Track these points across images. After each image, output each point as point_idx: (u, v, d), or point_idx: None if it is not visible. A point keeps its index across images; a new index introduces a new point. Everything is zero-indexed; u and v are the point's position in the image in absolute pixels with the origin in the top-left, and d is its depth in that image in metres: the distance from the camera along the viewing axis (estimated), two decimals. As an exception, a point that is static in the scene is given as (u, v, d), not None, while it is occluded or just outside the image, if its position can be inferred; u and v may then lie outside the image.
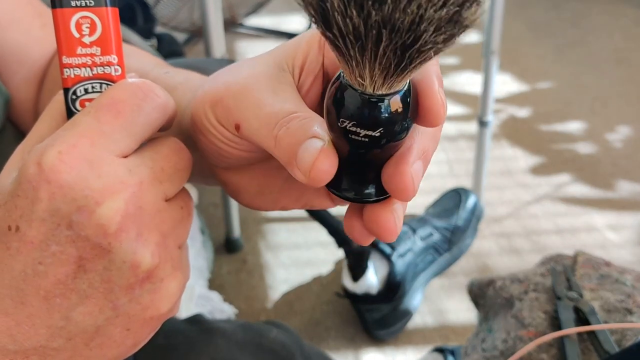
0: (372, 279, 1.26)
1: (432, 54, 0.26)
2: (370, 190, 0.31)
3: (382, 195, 0.31)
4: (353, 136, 0.28)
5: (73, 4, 0.31)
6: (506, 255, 1.51)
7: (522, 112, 2.00)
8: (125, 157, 0.31)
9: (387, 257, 1.28)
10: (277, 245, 1.56)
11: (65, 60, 0.31)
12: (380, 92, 0.27)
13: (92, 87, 0.32)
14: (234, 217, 1.50)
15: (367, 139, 0.28)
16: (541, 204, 1.66)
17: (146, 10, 1.73)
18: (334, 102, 0.29)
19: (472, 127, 1.76)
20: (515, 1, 2.60)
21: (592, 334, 0.63)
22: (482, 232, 1.50)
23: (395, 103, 0.28)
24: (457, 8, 0.24)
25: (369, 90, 0.27)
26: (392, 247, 1.29)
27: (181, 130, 0.38)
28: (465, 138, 1.88)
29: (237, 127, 0.33)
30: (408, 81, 0.28)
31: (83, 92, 0.32)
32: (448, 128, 1.93)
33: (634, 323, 0.63)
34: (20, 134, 0.60)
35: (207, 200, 1.67)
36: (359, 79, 0.27)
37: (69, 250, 0.29)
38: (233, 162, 0.36)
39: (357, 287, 1.26)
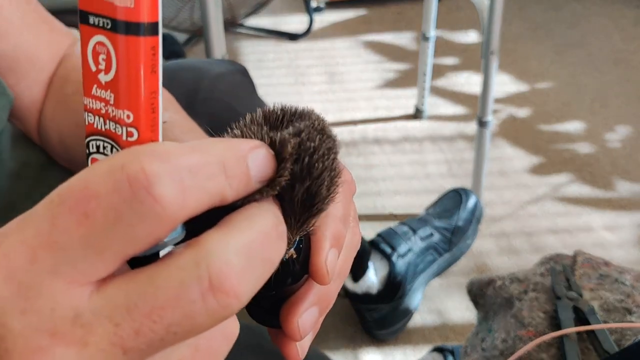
0: (373, 279, 1.26)
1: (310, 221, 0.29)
2: (273, 319, 0.34)
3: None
4: None
5: (92, 21, 0.22)
6: (505, 255, 1.51)
7: (522, 112, 2.00)
8: (89, 285, 0.21)
9: (388, 257, 1.28)
10: (277, 245, 1.55)
11: (84, 99, 0.24)
12: None
13: (103, 146, 0.23)
14: (234, 217, 1.49)
15: None
16: (540, 204, 1.66)
17: (147, 11, 1.73)
18: None
19: (472, 127, 1.77)
20: (515, 2, 2.60)
21: (591, 333, 0.63)
22: (481, 232, 1.50)
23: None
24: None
25: None
26: (393, 247, 1.29)
27: None
28: (464, 138, 1.88)
29: None
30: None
31: (95, 148, 0.24)
32: (447, 128, 1.93)
33: (633, 323, 0.63)
34: (21, 135, 0.61)
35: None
36: None
37: None
38: None
39: (358, 287, 1.26)
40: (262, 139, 0.26)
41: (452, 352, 1.09)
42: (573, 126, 1.93)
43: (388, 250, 1.29)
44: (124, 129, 0.22)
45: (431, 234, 1.36)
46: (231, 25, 2.31)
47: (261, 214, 0.24)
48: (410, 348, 1.31)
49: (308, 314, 0.32)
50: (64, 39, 0.59)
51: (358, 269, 1.25)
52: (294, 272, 0.31)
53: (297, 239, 0.30)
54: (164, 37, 1.90)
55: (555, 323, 0.66)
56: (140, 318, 0.20)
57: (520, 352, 0.63)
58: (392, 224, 1.38)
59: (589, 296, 0.68)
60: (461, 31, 2.45)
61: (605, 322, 0.64)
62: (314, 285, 0.32)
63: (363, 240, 1.25)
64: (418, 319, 1.36)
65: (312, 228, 0.30)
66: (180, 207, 0.21)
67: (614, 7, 2.55)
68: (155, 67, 0.22)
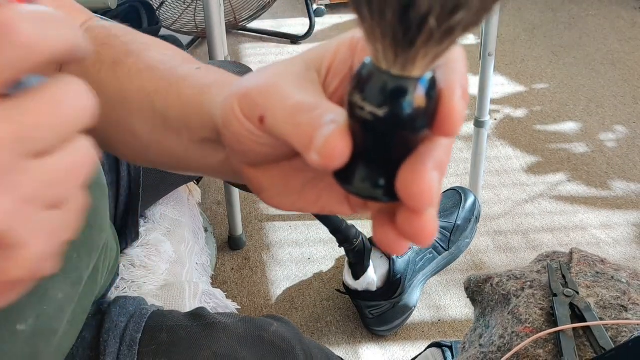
0: (373, 276, 1.27)
1: (445, 35, 0.26)
2: (383, 188, 0.30)
3: (396, 196, 0.30)
4: (359, 112, 0.28)
5: None
6: (502, 252, 1.53)
7: (518, 113, 2.01)
8: None
9: (387, 256, 1.29)
10: (279, 243, 1.57)
11: None
12: (394, 71, 0.28)
13: None
14: (237, 215, 1.50)
15: (372, 118, 0.28)
16: (536, 202, 1.67)
17: (150, 13, 1.74)
18: (352, 77, 0.29)
19: (469, 127, 1.78)
20: (512, 3, 2.60)
21: (587, 330, 0.64)
22: (478, 230, 1.51)
23: (406, 87, 0.28)
24: None
25: (383, 65, 0.28)
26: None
27: (215, 128, 0.38)
28: (462, 138, 1.89)
29: (261, 120, 0.33)
30: (427, 75, 0.28)
31: None
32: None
33: (629, 320, 0.64)
34: None
35: (210, 199, 1.68)
36: (373, 50, 0.28)
37: None
38: (254, 158, 0.36)
39: (358, 284, 1.27)
40: None
41: (450, 348, 1.09)
42: (569, 126, 1.94)
43: (387, 248, 1.30)
44: None
45: (430, 232, 1.36)
46: (233, 27, 2.32)
47: None
48: (409, 344, 1.33)
49: (435, 175, 0.29)
50: (80, 16, 0.59)
51: (359, 267, 1.26)
52: (420, 118, 0.28)
53: (423, 83, 0.28)
54: (166, 38, 1.90)
55: (551, 320, 0.66)
56: (32, 114, 0.27)
57: (517, 348, 0.64)
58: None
59: (585, 293, 0.69)
60: (459, 32, 2.45)
61: (601, 319, 0.65)
62: (433, 145, 0.29)
63: (364, 239, 1.26)
64: (417, 316, 1.38)
65: (440, 63, 0.27)
66: (40, 41, 0.26)
67: (610, 9, 2.56)
68: None
